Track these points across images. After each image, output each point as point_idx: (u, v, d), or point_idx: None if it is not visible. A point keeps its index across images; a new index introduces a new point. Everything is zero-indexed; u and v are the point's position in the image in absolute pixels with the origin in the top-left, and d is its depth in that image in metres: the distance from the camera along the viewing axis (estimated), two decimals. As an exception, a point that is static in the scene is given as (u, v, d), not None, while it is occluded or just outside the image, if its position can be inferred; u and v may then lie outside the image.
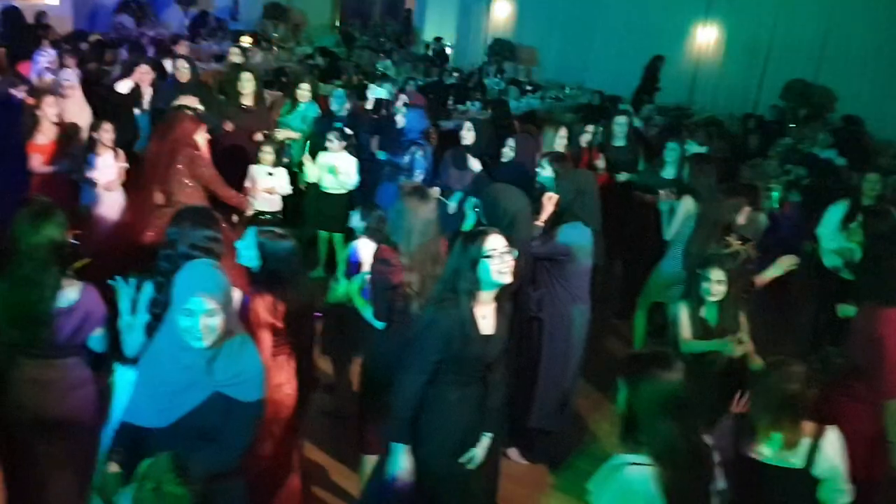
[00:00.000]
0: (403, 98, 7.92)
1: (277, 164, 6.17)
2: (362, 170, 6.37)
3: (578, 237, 4.26)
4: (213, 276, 2.52)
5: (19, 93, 5.91)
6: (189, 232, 3.05)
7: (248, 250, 3.38)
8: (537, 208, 4.28)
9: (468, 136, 5.86)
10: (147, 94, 6.67)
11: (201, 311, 2.41)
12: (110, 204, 5.51)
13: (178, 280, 2.52)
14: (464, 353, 2.99)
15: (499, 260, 2.93)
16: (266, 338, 3.22)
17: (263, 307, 3.25)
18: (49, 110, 5.50)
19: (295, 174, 6.62)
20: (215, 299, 2.44)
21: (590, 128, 6.91)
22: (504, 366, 3.29)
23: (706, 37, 14.26)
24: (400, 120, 6.61)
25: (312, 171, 6.29)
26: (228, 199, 5.17)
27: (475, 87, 12.38)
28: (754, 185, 5.69)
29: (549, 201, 4.32)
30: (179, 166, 4.83)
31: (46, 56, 6.37)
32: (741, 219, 4.60)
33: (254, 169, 6.08)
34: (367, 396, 3.70)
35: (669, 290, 4.99)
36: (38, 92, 5.77)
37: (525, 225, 3.97)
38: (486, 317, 3.04)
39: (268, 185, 6.04)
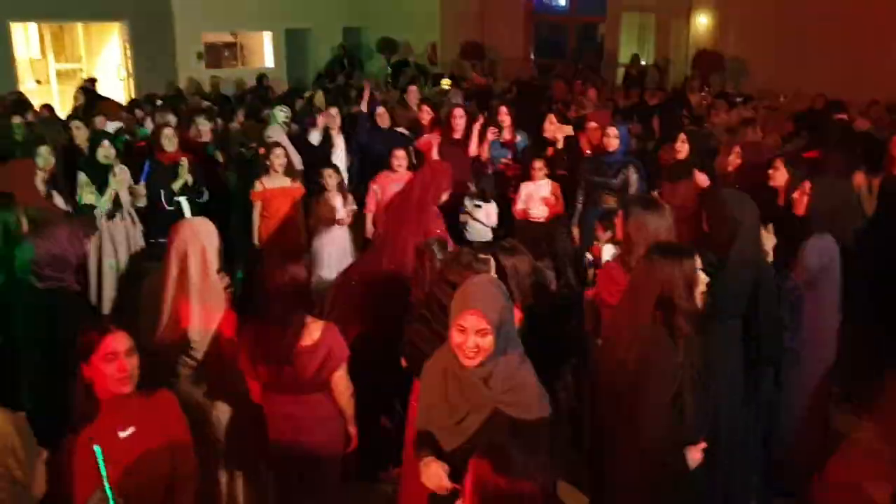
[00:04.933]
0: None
1: (485, 197, 6.20)
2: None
3: (827, 252, 3.81)
4: (489, 294, 2.43)
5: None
6: None
7: None
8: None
9: (682, 148, 5.57)
10: (337, 139, 7.22)
11: (473, 329, 2.36)
12: (338, 242, 5.93)
13: (455, 297, 2.48)
14: None
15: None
16: None
17: None
18: (276, 161, 5.91)
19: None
20: (488, 317, 2.35)
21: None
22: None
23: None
24: (613, 142, 6.24)
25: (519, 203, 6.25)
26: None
27: (679, 104, 11.83)
28: None
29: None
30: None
31: (284, 113, 6.97)
32: None
33: (466, 201, 6.16)
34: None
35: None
36: (266, 143, 6.22)
37: (751, 240, 3.56)
38: None
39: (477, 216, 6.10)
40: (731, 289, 3.35)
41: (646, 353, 2.72)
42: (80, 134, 6.34)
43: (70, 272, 3.46)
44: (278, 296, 3.10)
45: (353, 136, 7.66)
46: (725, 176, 5.61)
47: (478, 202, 6.19)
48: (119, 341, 2.49)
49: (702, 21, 15.71)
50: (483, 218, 6.22)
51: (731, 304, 3.41)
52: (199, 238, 3.36)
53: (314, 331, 3.17)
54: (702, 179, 5.43)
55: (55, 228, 3.57)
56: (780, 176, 4.68)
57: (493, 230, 6.29)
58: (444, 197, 4.68)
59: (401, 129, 7.66)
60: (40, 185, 4.86)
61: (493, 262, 3.29)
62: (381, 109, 7.27)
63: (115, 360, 2.47)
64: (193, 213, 6.05)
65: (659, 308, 2.74)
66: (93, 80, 11.14)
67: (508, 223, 6.37)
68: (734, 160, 5.54)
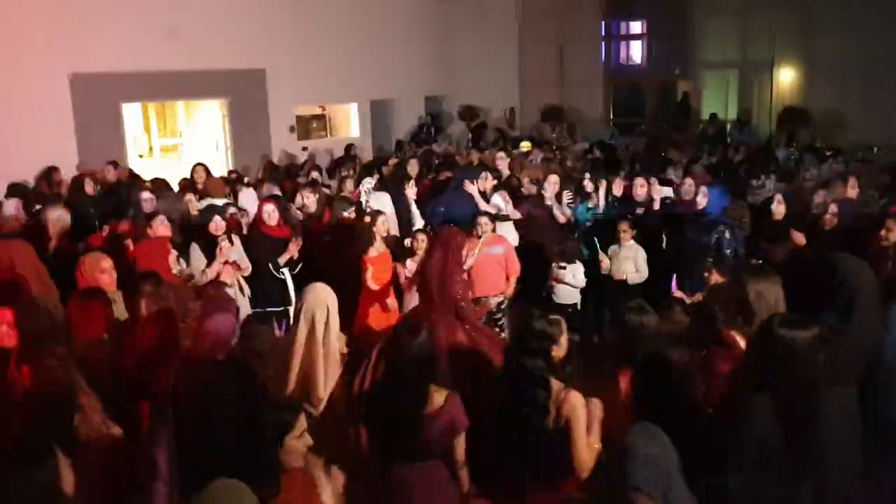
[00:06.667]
0: (689, 181, 7.64)
1: (571, 258, 6.28)
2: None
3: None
4: (641, 457, 2.24)
5: (349, 213, 6.73)
6: None
7: None
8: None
9: (778, 210, 5.56)
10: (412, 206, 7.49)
11: None
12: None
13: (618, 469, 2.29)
14: None
15: None
16: None
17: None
18: (381, 227, 6.16)
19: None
20: (654, 495, 2.14)
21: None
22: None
23: None
24: (701, 200, 6.38)
25: (605, 262, 6.30)
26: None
27: (767, 160, 11.70)
28: None
29: None
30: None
31: (372, 181, 7.27)
32: None
33: (553, 265, 6.30)
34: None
35: None
36: (370, 212, 6.50)
37: (870, 308, 3.48)
38: None
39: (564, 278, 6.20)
40: (847, 356, 3.31)
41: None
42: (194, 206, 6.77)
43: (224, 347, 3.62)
44: (407, 367, 3.26)
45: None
46: (823, 235, 5.54)
47: (563, 264, 6.29)
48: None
49: (786, 75, 15.57)
50: (570, 279, 6.30)
51: (846, 372, 3.36)
52: (325, 302, 3.69)
53: (437, 398, 3.30)
54: (798, 238, 5.39)
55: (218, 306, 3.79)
56: (894, 237, 4.64)
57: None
58: (463, 258, 4.82)
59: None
60: (174, 263, 5.15)
61: (563, 324, 3.44)
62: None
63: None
64: (294, 283, 6.31)
65: (772, 379, 2.74)
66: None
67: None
68: (830, 219, 5.49)
